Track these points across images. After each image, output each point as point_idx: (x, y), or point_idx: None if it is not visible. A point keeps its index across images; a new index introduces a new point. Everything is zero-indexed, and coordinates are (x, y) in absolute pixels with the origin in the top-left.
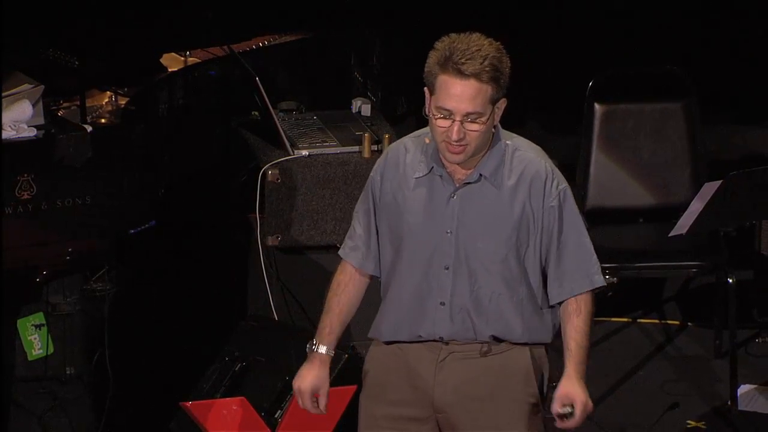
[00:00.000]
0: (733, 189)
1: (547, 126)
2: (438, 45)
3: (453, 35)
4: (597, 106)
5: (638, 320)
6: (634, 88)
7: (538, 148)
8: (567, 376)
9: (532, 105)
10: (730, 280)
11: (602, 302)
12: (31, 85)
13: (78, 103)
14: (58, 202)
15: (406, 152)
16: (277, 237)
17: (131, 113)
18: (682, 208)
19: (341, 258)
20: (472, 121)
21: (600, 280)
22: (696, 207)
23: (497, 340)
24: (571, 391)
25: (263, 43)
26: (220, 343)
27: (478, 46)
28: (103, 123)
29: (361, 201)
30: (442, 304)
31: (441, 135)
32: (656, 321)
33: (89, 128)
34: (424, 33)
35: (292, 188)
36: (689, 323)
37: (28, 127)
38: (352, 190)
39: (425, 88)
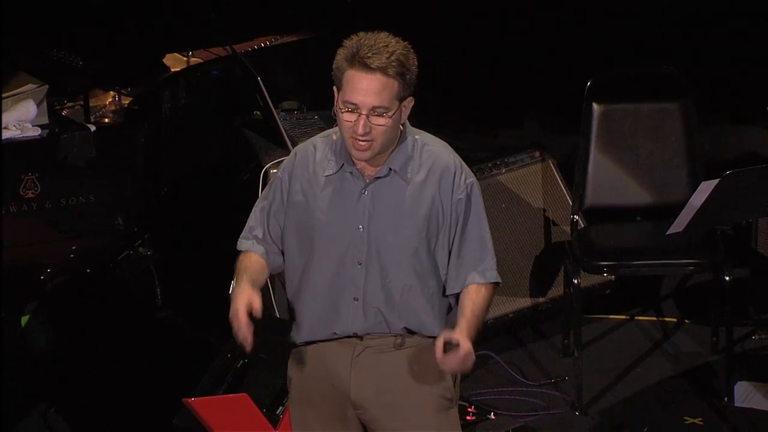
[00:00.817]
0: (729, 188)
1: (546, 126)
2: (346, 42)
3: (361, 33)
4: (595, 106)
5: (636, 318)
6: (632, 89)
7: (445, 143)
8: (458, 329)
9: (532, 105)
10: (727, 278)
11: (601, 300)
12: (36, 85)
13: (82, 102)
14: (61, 200)
15: (315, 151)
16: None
17: (134, 113)
18: (680, 206)
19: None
20: (378, 115)
21: (493, 276)
22: (693, 205)
23: (410, 332)
24: (459, 336)
25: (265, 44)
26: (223, 340)
27: (386, 42)
28: (107, 123)
29: (261, 198)
30: (355, 299)
31: (348, 130)
32: (654, 318)
33: (93, 128)
34: (423, 34)
35: None
36: (686, 320)
37: (33, 126)
38: None
39: (333, 87)
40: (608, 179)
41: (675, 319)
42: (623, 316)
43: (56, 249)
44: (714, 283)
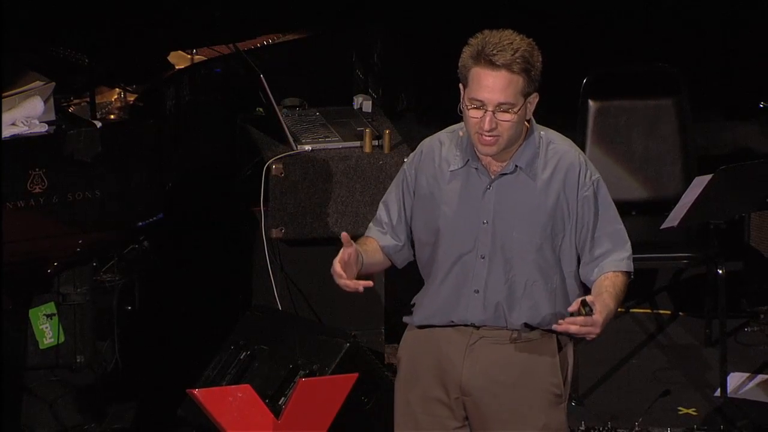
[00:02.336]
0: (723, 183)
1: (543, 122)
2: (471, 40)
3: (486, 31)
4: (591, 102)
5: (631, 310)
6: (627, 86)
7: (570, 140)
8: (600, 301)
9: None
10: (720, 271)
11: None
12: (43, 83)
13: (88, 99)
14: (68, 195)
15: (440, 146)
16: (281, 229)
17: (140, 109)
18: (674, 201)
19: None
20: (503, 112)
21: (628, 266)
22: (687, 200)
23: (529, 327)
24: (598, 301)
25: (267, 42)
26: (226, 333)
27: (510, 39)
28: (113, 119)
29: (389, 192)
30: (476, 292)
31: (474, 126)
32: (649, 311)
33: (99, 124)
34: (423, 32)
35: (296, 182)
36: (680, 313)
37: (40, 122)
38: (354, 184)
39: (459, 84)
40: (604, 174)
41: (669, 312)
42: (619, 309)
43: (63, 243)
44: (707, 276)
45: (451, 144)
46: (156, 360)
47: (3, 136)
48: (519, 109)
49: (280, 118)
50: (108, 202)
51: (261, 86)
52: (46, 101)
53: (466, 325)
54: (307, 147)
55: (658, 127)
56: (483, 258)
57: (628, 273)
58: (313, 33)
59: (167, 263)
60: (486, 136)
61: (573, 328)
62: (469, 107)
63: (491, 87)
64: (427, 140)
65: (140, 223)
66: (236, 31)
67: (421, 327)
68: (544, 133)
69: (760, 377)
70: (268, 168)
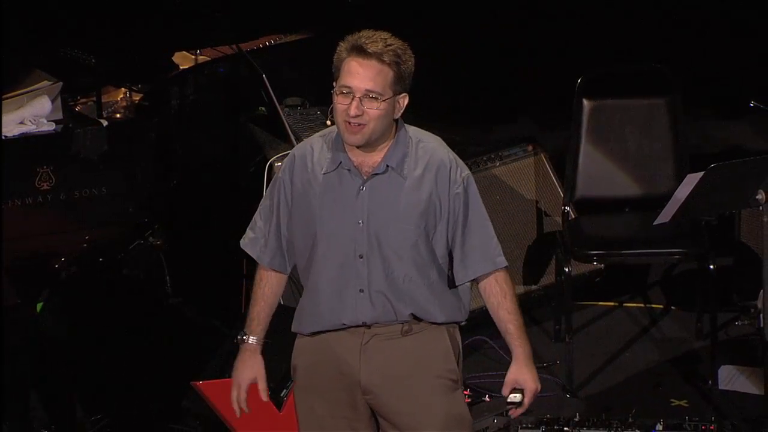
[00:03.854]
0: (714, 180)
1: (539, 121)
2: (347, 37)
3: (363, 30)
4: (586, 101)
5: (624, 304)
6: (621, 85)
7: (439, 138)
8: (515, 359)
9: (525, 101)
10: (712, 267)
11: (590, 287)
12: (50, 82)
13: (94, 99)
14: (75, 192)
15: (312, 151)
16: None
17: (145, 108)
18: (666, 198)
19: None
20: (371, 99)
21: (502, 261)
22: (679, 197)
23: (417, 319)
24: (520, 378)
25: (270, 43)
26: (230, 326)
27: (385, 36)
28: (118, 118)
29: (265, 197)
30: (361, 291)
31: (341, 114)
32: (641, 305)
33: (105, 123)
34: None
35: None
36: (672, 307)
37: (48, 121)
38: None
39: (333, 83)
40: (598, 172)
41: (662, 306)
42: (612, 303)
43: (70, 239)
44: (699, 271)
45: (323, 147)
46: (161, 353)
47: (12, 135)
48: (386, 101)
49: (282, 116)
50: (114, 199)
51: (263, 86)
52: (53, 100)
53: (357, 326)
54: None
55: (651, 126)
56: (362, 257)
57: (505, 269)
58: (314, 34)
59: (172, 259)
60: (353, 123)
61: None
62: (337, 94)
63: (361, 74)
64: (299, 145)
65: (145, 220)
66: (239, 32)
67: (312, 334)
68: (413, 132)
69: (750, 370)
70: (271, 165)
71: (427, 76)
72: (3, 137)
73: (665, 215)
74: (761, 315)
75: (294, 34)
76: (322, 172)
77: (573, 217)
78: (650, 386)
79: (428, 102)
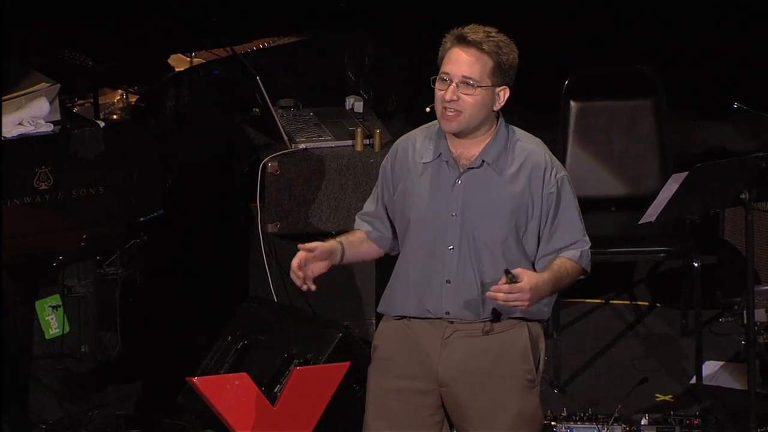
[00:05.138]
0: (698, 180)
1: (526, 121)
2: (453, 29)
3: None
4: (572, 103)
5: (610, 301)
6: (607, 87)
7: (539, 140)
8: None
9: (512, 102)
10: (696, 264)
11: (576, 284)
12: (48, 84)
13: (92, 100)
14: (73, 192)
15: (415, 141)
16: (277, 224)
17: (141, 110)
18: (651, 197)
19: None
20: (467, 86)
21: (583, 260)
22: (664, 196)
23: (499, 314)
24: (526, 273)
25: (264, 45)
26: (224, 323)
27: (489, 29)
28: (115, 119)
29: (375, 186)
30: (448, 282)
31: (439, 100)
32: (627, 302)
33: (102, 124)
34: (412, 35)
35: (291, 179)
36: (658, 304)
37: (46, 122)
38: (346, 181)
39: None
40: (584, 172)
41: (647, 303)
42: (599, 300)
43: (68, 238)
44: (683, 269)
45: (425, 139)
46: (157, 349)
47: (11, 136)
48: (483, 89)
49: (276, 118)
50: (111, 199)
51: (257, 87)
52: (51, 102)
53: (440, 319)
54: (302, 146)
55: (636, 127)
56: (452, 249)
57: (581, 266)
58: (307, 37)
59: (167, 257)
60: (448, 110)
61: (500, 296)
62: (437, 81)
63: (458, 60)
64: (402, 138)
65: (142, 219)
66: (234, 34)
67: (397, 318)
68: (513, 130)
69: (734, 365)
70: (264, 166)
71: (415, 77)
72: (3, 138)
73: (650, 214)
74: (744, 312)
75: (288, 37)
76: (422, 162)
77: None
78: (636, 381)
79: (420, 103)
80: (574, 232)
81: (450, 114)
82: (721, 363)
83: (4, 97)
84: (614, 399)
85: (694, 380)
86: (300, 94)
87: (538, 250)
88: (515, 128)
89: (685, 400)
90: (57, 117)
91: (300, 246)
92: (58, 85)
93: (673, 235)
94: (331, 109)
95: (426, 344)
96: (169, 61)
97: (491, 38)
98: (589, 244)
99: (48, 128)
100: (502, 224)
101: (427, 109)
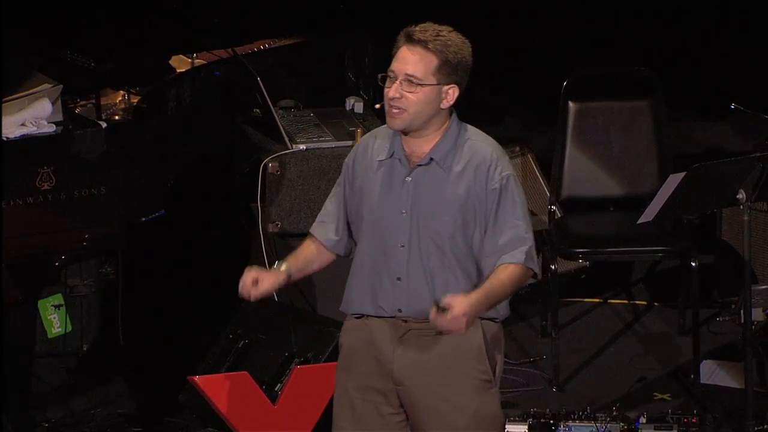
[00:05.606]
0: (695, 180)
1: (525, 123)
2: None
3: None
4: (571, 104)
5: (608, 301)
6: (606, 88)
7: (492, 139)
8: (464, 294)
9: (512, 103)
10: (693, 264)
11: (575, 284)
12: (51, 85)
13: (93, 101)
14: (75, 192)
15: (374, 139)
16: (277, 224)
17: (143, 110)
18: (649, 197)
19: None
20: (410, 84)
21: (522, 258)
22: (662, 196)
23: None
24: (455, 300)
25: (264, 46)
26: (225, 322)
27: (441, 28)
28: (117, 119)
29: (336, 184)
30: (399, 279)
31: (385, 98)
32: (625, 301)
33: (104, 124)
34: None
35: (291, 179)
36: (655, 303)
37: (48, 123)
38: None
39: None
40: (583, 172)
41: (645, 302)
42: (597, 300)
43: (70, 237)
44: (681, 268)
45: (384, 137)
46: (158, 348)
47: (13, 136)
48: (428, 88)
49: (276, 118)
50: (112, 199)
51: (258, 88)
52: (53, 103)
53: (394, 317)
54: (302, 146)
55: (634, 127)
56: (403, 247)
57: (527, 267)
58: (308, 38)
59: (169, 256)
60: (393, 108)
61: (438, 327)
62: (385, 80)
63: (404, 58)
64: (366, 135)
65: (143, 219)
66: (234, 36)
67: (357, 316)
68: (465, 129)
69: (731, 364)
70: (265, 166)
71: None
72: (5, 138)
73: (648, 214)
74: (741, 311)
75: (288, 38)
76: (378, 159)
77: (559, 216)
78: (634, 380)
79: None
80: (517, 230)
81: (395, 111)
82: (719, 362)
83: (7, 98)
84: (612, 398)
85: (692, 379)
86: (300, 95)
87: (482, 247)
88: (469, 127)
89: (682, 398)
90: (59, 118)
91: (250, 276)
92: (61, 86)
93: (671, 235)
94: (331, 109)
95: (382, 343)
96: (171, 62)
97: (440, 37)
98: (531, 243)
99: (50, 129)
100: (449, 221)
101: (377, 106)
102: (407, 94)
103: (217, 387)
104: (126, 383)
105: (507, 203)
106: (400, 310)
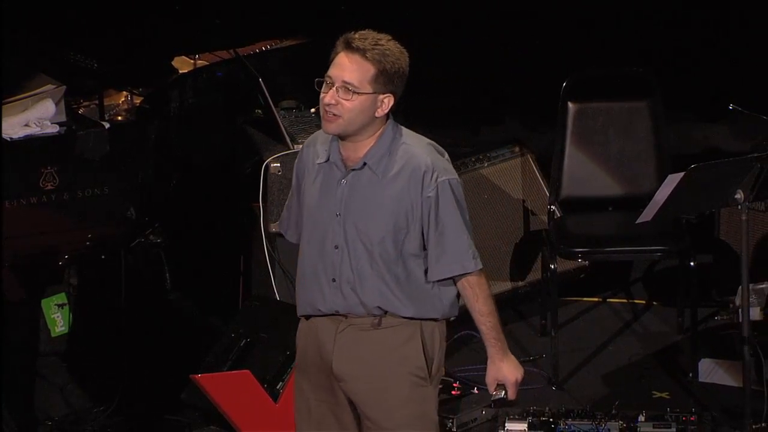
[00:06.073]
0: (694, 180)
1: (525, 123)
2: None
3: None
4: (570, 104)
5: (608, 300)
6: (604, 89)
7: (428, 143)
8: (490, 359)
9: (512, 104)
10: (692, 263)
11: (575, 283)
12: (54, 86)
13: (97, 102)
14: (78, 192)
15: (316, 142)
16: (278, 223)
17: (145, 111)
18: (648, 197)
19: None
20: (347, 91)
21: (472, 265)
22: (660, 196)
23: (384, 311)
24: (499, 375)
25: (266, 47)
26: (227, 321)
27: (379, 37)
28: (120, 120)
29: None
30: (334, 280)
31: (321, 103)
32: (624, 300)
33: (107, 125)
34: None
35: (292, 179)
36: (654, 302)
37: (52, 124)
38: None
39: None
40: (582, 172)
41: (644, 302)
42: (596, 299)
43: (73, 237)
44: (680, 268)
45: (324, 141)
46: (161, 347)
47: (17, 137)
48: (363, 96)
49: (278, 119)
50: (115, 199)
51: (259, 89)
52: (57, 103)
53: (336, 314)
54: None
55: (633, 128)
56: (337, 248)
57: (479, 271)
58: (309, 39)
59: (171, 256)
60: (328, 113)
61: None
62: (323, 85)
63: (341, 65)
64: (310, 137)
65: (146, 218)
66: (236, 37)
67: (306, 317)
68: (400, 134)
69: (729, 363)
70: (267, 166)
71: (415, 79)
72: (9, 139)
73: (647, 214)
74: (739, 310)
75: (289, 39)
76: (317, 162)
77: (558, 215)
78: (633, 379)
79: (417, 104)
80: (458, 238)
81: (330, 117)
82: (717, 360)
83: (11, 99)
84: (611, 396)
85: (690, 377)
86: (301, 96)
87: (427, 255)
88: (406, 131)
89: (681, 396)
90: (62, 118)
91: None
92: (64, 87)
93: (669, 235)
94: None
95: (324, 339)
96: (173, 63)
97: (378, 46)
98: (472, 244)
99: (54, 129)
100: (380, 225)
101: (312, 110)
102: (343, 101)
103: (219, 385)
104: (129, 381)
105: (444, 209)
106: (337, 311)
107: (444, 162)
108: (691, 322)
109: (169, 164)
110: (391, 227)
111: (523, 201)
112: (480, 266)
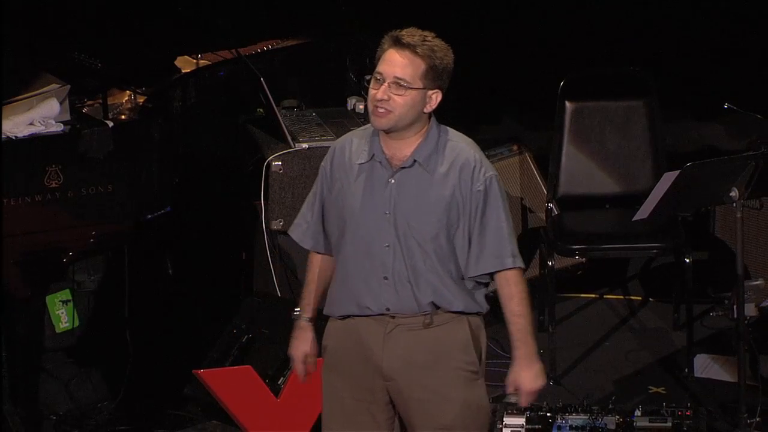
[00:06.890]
0: (690, 178)
1: (523, 122)
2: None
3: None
4: (568, 103)
5: (604, 296)
6: (601, 88)
7: (471, 140)
8: (514, 361)
9: (510, 103)
10: (688, 260)
11: (572, 280)
12: (59, 85)
13: (100, 101)
14: (82, 190)
15: (351, 142)
16: (280, 221)
17: (148, 110)
18: (644, 195)
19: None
20: (398, 86)
21: (512, 263)
22: (657, 194)
23: (436, 307)
24: (517, 379)
25: (267, 47)
26: (229, 317)
27: (426, 34)
28: (123, 119)
29: (313, 186)
30: (386, 278)
31: (371, 99)
32: (621, 297)
33: (110, 124)
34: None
35: (294, 178)
36: (650, 299)
37: (56, 122)
38: None
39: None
40: (580, 170)
41: (640, 298)
42: (593, 295)
43: (78, 234)
44: (676, 264)
45: (361, 140)
46: (164, 342)
47: (22, 135)
48: (414, 91)
49: (279, 118)
50: (119, 196)
51: (261, 89)
52: (61, 102)
53: (382, 314)
54: (305, 145)
55: (629, 127)
56: (387, 246)
57: (517, 268)
58: (310, 39)
59: (175, 253)
60: (379, 107)
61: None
62: (371, 81)
63: (392, 61)
64: (341, 138)
65: (149, 216)
66: (238, 37)
67: (342, 317)
68: (444, 131)
69: (724, 358)
70: (268, 165)
71: None
72: (14, 137)
73: (644, 211)
74: (735, 306)
75: (291, 40)
76: (357, 163)
77: (556, 213)
78: (629, 374)
79: None
80: (500, 234)
81: (380, 111)
82: (712, 356)
83: (16, 98)
84: (608, 391)
85: (686, 373)
86: (303, 95)
87: (469, 249)
88: (448, 129)
89: (677, 391)
90: (67, 117)
91: (299, 362)
92: (68, 86)
93: (665, 232)
94: (333, 109)
95: (369, 340)
96: (176, 62)
97: (426, 42)
98: (514, 241)
99: (58, 128)
100: (432, 222)
101: (360, 107)
102: (395, 96)
103: (221, 380)
104: (133, 377)
105: (491, 204)
106: (387, 309)
107: (487, 159)
108: (686, 318)
109: (172, 162)
110: (444, 223)
111: (521, 199)
112: (519, 264)
